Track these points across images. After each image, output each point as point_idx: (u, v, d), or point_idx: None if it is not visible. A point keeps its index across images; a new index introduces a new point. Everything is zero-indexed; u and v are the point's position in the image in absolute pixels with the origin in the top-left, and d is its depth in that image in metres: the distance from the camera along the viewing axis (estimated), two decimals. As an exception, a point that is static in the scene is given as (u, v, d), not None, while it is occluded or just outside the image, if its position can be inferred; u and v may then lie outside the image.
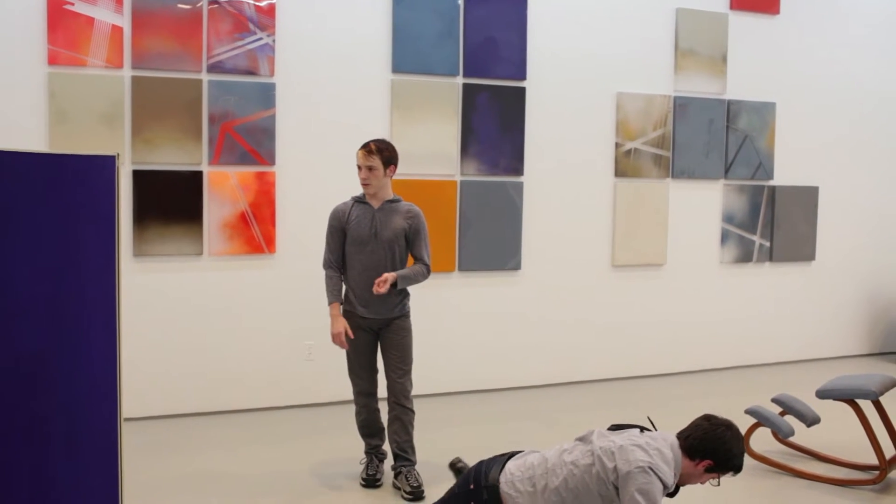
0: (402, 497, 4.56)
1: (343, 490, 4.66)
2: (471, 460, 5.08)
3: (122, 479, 3.18)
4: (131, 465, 4.87)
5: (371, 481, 4.71)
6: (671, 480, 3.22)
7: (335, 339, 4.63)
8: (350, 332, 4.61)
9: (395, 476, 4.70)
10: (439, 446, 5.39)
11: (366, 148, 4.62)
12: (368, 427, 4.78)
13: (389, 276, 4.52)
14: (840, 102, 8.09)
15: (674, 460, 3.26)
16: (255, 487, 4.67)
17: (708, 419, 3.35)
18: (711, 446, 3.27)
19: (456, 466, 4.39)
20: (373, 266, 4.62)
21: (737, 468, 3.31)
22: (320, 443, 5.44)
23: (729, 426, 3.32)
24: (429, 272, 4.74)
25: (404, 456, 4.70)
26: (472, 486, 3.44)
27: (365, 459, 4.82)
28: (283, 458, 5.15)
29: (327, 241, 4.70)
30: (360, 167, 4.63)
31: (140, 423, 5.71)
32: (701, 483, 3.34)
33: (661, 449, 3.27)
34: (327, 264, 4.71)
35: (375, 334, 4.71)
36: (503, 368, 6.84)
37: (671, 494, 3.30)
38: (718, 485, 3.38)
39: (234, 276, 6.01)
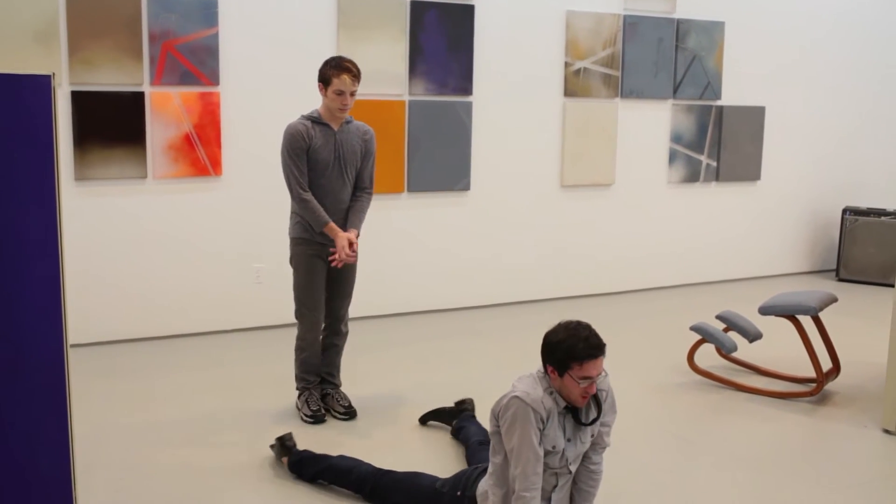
0: (337, 417, 4.57)
1: (295, 411, 4.69)
2: (429, 381, 5.15)
3: (71, 406, 3.16)
4: (79, 391, 4.85)
5: (321, 417, 4.54)
6: (541, 400, 3.00)
7: (343, 252, 4.37)
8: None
9: (323, 398, 4.67)
10: (386, 366, 5.44)
11: (351, 73, 4.30)
12: (311, 364, 4.62)
13: (353, 237, 4.45)
14: (788, 23, 8.10)
15: (542, 380, 3.07)
16: (206, 411, 4.68)
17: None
18: (544, 350, 3.06)
19: (464, 406, 4.46)
20: (333, 191, 4.44)
21: (566, 352, 2.98)
22: (272, 365, 5.45)
23: (561, 324, 3.06)
24: (370, 199, 4.63)
25: (333, 381, 4.71)
26: (458, 493, 3.40)
27: (305, 395, 4.62)
28: (235, 380, 5.16)
29: (294, 164, 4.34)
30: (341, 92, 4.30)
31: (87, 349, 5.67)
32: (582, 396, 3.00)
33: (531, 375, 3.11)
34: (301, 188, 4.35)
35: (325, 262, 4.54)
36: (452, 288, 6.89)
37: (588, 423, 3.08)
38: (595, 381, 3.00)
39: (179, 200, 5.92)
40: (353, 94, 4.34)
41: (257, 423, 4.52)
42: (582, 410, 3.10)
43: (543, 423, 3.00)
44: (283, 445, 3.98)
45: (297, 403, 4.68)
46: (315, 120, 4.41)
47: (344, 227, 4.48)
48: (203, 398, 4.86)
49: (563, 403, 3.06)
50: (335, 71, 4.30)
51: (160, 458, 4.07)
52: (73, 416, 3.19)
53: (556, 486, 3.12)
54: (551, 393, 3.05)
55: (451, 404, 4.56)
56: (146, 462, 4.03)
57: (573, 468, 3.13)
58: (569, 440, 3.08)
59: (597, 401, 3.14)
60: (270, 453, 4.11)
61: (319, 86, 4.37)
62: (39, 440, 3.11)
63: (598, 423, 3.15)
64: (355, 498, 3.70)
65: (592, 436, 3.15)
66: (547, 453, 3.04)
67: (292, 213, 4.52)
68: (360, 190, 4.58)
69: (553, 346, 3.02)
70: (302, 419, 4.56)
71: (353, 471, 3.71)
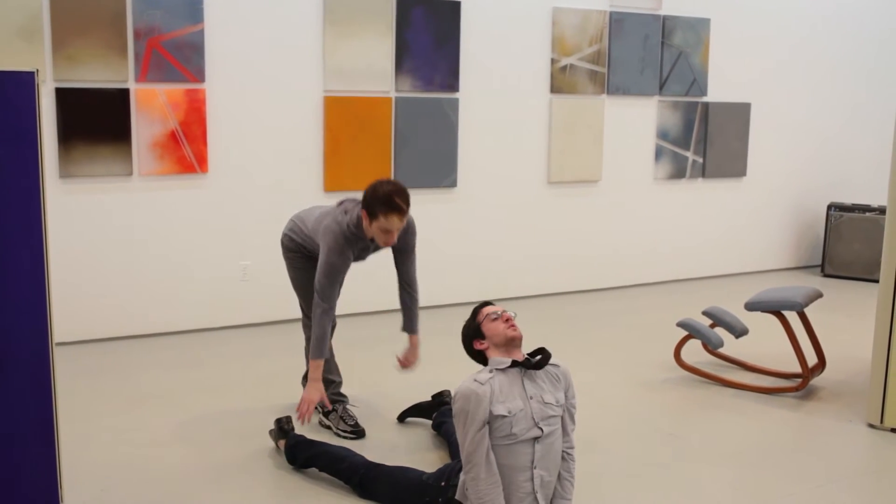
0: (341, 436, 4.29)
1: (283, 406, 4.68)
2: (415, 379, 5.15)
3: (57, 404, 3.15)
4: (65, 389, 4.82)
5: (362, 431, 4.29)
6: (479, 376, 3.21)
7: (307, 406, 3.88)
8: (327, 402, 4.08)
9: (326, 414, 4.39)
10: (371, 364, 5.44)
11: (401, 213, 3.81)
12: (329, 362, 4.34)
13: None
14: (773, 21, 8.13)
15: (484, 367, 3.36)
16: (192, 409, 4.66)
17: None
18: (465, 343, 3.52)
19: (442, 398, 4.47)
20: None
21: (473, 316, 3.47)
22: (259, 363, 5.44)
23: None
24: (418, 297, 4.29)
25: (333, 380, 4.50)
26: (442, 483, 3.46)
27: (339, 408, 4.35)
28: (221, 379, 5.14)
29: (333, 279, 3.92)
30: (386, 231, 3.84)
31: (72, 348, 5.64)
32: (508, 329, 3.30)
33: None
34: (327, 304, 3.94)
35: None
36: (438, 285, 6.88)
37: (537, 363, 3.26)
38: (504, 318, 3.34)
39: (165, 197, 5.89)
40: (399, 228, 3.88)
41: (243, 421, 4.51)
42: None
43: (492, 390, 3.15)
44: (281, 429, 4.04)
45: (322, 420, 4.41)
46: (360, 236, 3.98)
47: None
48: (189, 396, 4.84)
49: (507, 362, 3.25)
50: (384, 210, 3.79)
51: (146, 457, 4.05)
52: (58, 415, 3.18)
53: (534, 460, 3.18)
54: (491, 371, 3.24)
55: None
56: (132, 461, 4.01)
57: (546, 429, 3.19)
58: (531, 398, 3.21)
59: (543, 351, 3.30)
60: (257, 451, 4.10)
61: (363, 212, 3.88)
62: (25, 439, 3.10)
63: (548, 363, 3.29)
64: (341, 492, 3.70)
65: (558, 403, 3.25)
66: (505, 420, 3.14)
67: (290, 220, 4.35)
68: (408, 292, 4.26)
69: (466, 331, 3.47)
70: (339, 435, 4.29)
71: (345, 459, 3.76)
